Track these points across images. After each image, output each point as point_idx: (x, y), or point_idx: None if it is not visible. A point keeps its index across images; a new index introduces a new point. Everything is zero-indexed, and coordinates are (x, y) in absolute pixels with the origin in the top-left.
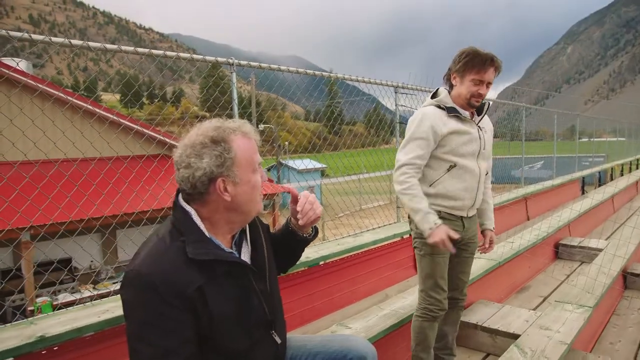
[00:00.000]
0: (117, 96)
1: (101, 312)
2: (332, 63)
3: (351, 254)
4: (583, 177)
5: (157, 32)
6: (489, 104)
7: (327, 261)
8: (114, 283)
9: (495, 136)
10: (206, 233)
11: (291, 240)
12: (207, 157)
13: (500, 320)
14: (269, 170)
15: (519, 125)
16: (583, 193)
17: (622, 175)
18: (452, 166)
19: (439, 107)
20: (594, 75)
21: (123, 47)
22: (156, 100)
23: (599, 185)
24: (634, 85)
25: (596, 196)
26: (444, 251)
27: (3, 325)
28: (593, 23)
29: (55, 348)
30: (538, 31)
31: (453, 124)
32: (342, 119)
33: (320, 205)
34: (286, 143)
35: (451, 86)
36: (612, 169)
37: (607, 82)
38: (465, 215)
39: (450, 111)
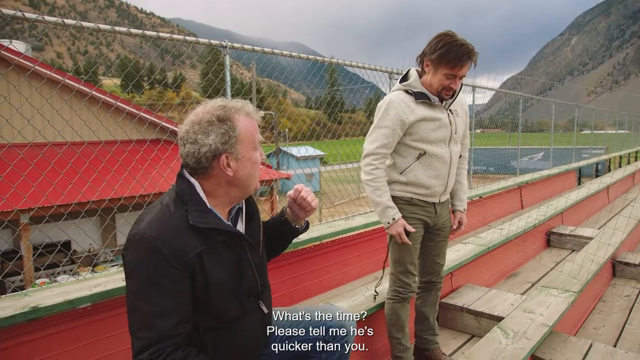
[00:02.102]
0: (117, 81)
1: (93, 286)
2: (333, 50)
3: (342, 236)
4: (580, 168)
5: (159, 17)
6: (461, 86)
7: (318, 243)
8: (112, 266)
9: (496, 126)
10: (208, 204)
11: (283, 229)
12: (213, 135)
13: (486, 303)
14: (268, 157)
15: (520, 116)
16: (579, 184)
17: (620, 167)
18: (422, 154)
19: (407, 92)
20: (597, 67)
21: (116, 28)
22: (151, 84)
23: (597, 177)
24: (638, 78)
25: (591, 186)
26: (414, 238)
27: None
28: (599, 13)
29: (48, 319)
30: (543, 21)
31: (421, 111)
32: (342, 106)
33: (314, 198)
34: (286, 130)
35: (423, 69)
36: (609, 160)
37: (611, 74)
38: (438, 202)
39: (419, 97)
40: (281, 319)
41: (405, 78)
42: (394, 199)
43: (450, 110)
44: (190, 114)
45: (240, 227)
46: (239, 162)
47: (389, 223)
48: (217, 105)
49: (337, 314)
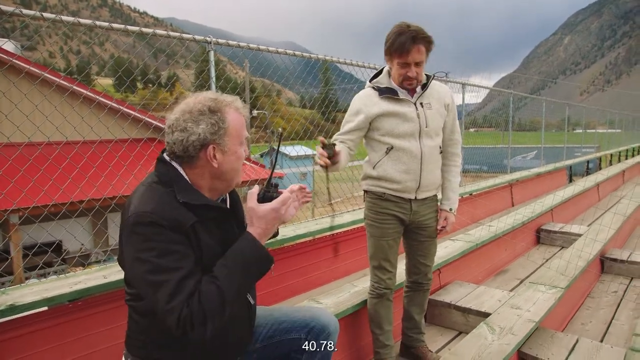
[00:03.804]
0: (110, 80)
1: (73, 284)
2: (328, 50)
3: (329, 233)
4: (571, 166)
5: (152, 16)
6: (432, 76)
7: (304, 240)
8: (103, 268)
9: (490, 125)
10: (193, 186)
11: None
12: (203, 124)
13: (473, 299)
14: (262, 156)
15: (510, 115)
16: (570, 182)
17: (611, 164)
18: (390, 148)
19: (374, 88)
20: (590, 66)
21: (98, 23)
22: (149, 84)
23: (587, 175)
24: (630, 77)
25: (581, 184)
26: (387, 234)
27: None
28: (591, 13)
29: (26, 317)
30: (536, 21)
31: (384, 105)
32: (337, 105)
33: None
34: (279, 129)
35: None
36: (601, 158)
37: (603, 73)
38: (414, 198)
39: (383, 92)
40: (264, 319)
41: (378, 74)
42: (367, 193)
43: (421, 103)
44: (180, 103)
45: None
46: (225, 154)
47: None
48: (209, 97)
49: (323, 312)
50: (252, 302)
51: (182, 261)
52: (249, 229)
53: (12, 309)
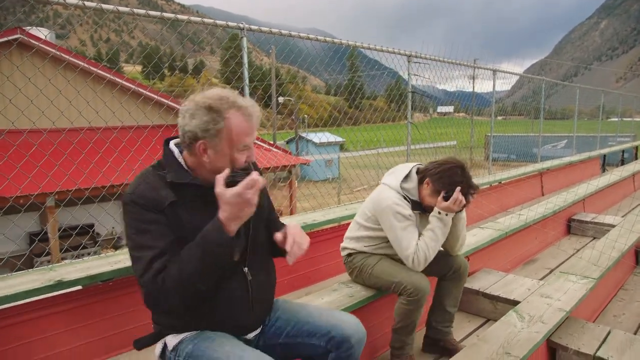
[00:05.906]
0: (139, 68)
1: (114, 262)
2: (354, 36)
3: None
4: (604, 156)
5: (178, 4)
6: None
7: (333, 225)
8: None
9: (519, 114)
10: (185, 167)
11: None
12: (196, 120)
13: (502, 287)
14: (288, 143)
15: (542, 102)
16: (604, 171)
17: None
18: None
19: (406, 198)
20: (628, 51)
21: (135, 10)
22: (176, 72)
23: (623, 164)
24: None
25: (616, 173)
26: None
27: (26, 270)
28: None
29: (71, 293)
30: (570, 4)
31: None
32: (363, 93)
33: (306, 238)
34: (305, 116)
35: None
36: (637, 147)
37: None
38: None
39: (415, 207)
40: (286, 313)
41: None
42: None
43: None
44: (200, 93)
45: None
46: (217, 154)
47: (447, 215)
48: (218, 94)
49: (347, 321)
50: (249, 277)
51: (157, 240)
52: (218, 213)
53: (60, 284)
